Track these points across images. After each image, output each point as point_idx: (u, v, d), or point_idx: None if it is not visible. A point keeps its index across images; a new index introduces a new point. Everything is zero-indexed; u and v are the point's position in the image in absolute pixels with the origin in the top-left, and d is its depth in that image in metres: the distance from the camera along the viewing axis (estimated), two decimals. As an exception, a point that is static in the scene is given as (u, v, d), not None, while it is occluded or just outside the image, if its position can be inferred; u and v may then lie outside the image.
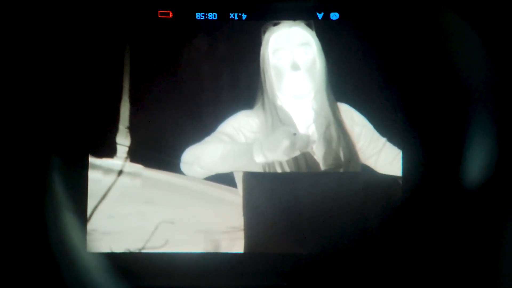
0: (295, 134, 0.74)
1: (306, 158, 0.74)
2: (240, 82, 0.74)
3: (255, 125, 0.75)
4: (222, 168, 0.74)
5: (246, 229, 0.73)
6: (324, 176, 0.74)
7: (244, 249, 0.73)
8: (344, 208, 0.73)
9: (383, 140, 0.75)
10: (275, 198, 0.73)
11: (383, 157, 0.75)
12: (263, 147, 0.74)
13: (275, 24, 0.75)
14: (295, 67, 0.75)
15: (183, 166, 0.74)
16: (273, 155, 0.74)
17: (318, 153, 0.75)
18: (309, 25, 0.75)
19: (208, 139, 0.74)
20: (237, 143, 0.74)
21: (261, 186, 0.73)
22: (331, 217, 0.73)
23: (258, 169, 0.74)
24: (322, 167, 0.74)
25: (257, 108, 0.75)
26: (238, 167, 0.74)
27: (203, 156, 0.74)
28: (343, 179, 0.74)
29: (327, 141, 0.75)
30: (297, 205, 0.73)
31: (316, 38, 0.75)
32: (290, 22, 0.75)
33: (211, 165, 0.74)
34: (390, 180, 0.74)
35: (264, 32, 0.75)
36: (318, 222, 0.73)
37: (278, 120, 0.75)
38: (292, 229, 0.73)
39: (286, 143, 0.74)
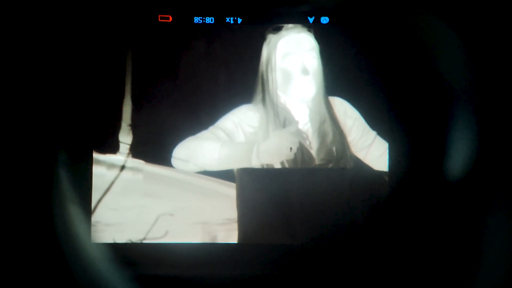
0: (291, 148, 0.76)
1: (303, 152, 0.77)
2: (237, 82, 0.76)
3: (256, 119, 0.77)
4: (219, 168, 0.76)
5: (239, 221, 0.75)
6: (313, 172, 0.77)
7: (238, 240, 0.75)
8: (332, 201, 0.76)
9: (373, 133, 0.77)
10: (267, 193, 0.76)
11: (373, 150, 0.77)
12: (259, 153, 0.76)
13: (275, 29, 0.76)
14: (305, 71, 0.76)
15: (175, 162, 0.76)
16: (268, 160, 0.76)
17: (313, 147, 0.77)
18: (309, 30, 0.77)
19: (204, 134, 0.76)
20: (234, 145, 0.76)
21: (254, 181, 0.76)
22: (319, 210, 0.75)
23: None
24: (316, 160, 0.77)
25: (257, 104, 0.77)
26: (234, 167, 0.76)
27: (198, 156, 0.76)
28: (331, 174, 0.77)
29: (321, 136, 0.77)
30: (288, 199, 0.76)
31: (316, 42, 0.77)
32: (297, 29, 0.76)
33: (207, 165, 0.76)
34: (376, 174, 0.76)
35: (269, 34, 0.76)
36: (307, 215, 0.75)
37: (278, 118, 0.77)
38: (283, 221, 0.75)
39: (283, 155, 0.76)
